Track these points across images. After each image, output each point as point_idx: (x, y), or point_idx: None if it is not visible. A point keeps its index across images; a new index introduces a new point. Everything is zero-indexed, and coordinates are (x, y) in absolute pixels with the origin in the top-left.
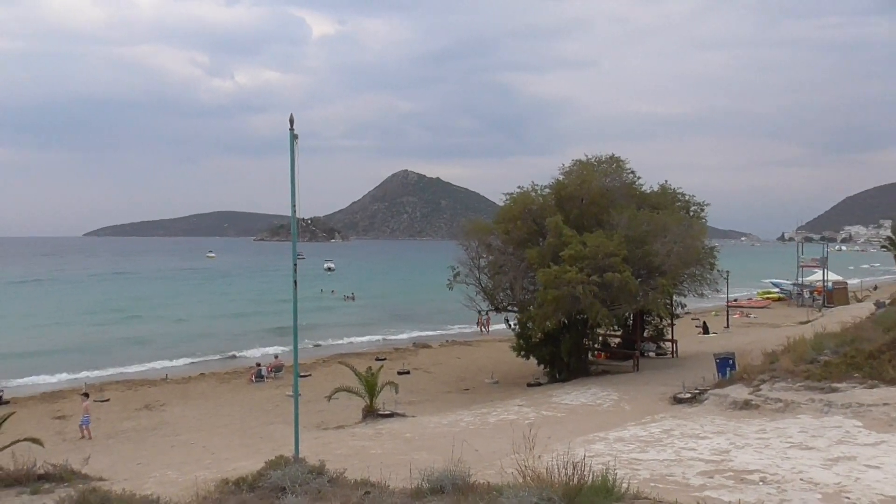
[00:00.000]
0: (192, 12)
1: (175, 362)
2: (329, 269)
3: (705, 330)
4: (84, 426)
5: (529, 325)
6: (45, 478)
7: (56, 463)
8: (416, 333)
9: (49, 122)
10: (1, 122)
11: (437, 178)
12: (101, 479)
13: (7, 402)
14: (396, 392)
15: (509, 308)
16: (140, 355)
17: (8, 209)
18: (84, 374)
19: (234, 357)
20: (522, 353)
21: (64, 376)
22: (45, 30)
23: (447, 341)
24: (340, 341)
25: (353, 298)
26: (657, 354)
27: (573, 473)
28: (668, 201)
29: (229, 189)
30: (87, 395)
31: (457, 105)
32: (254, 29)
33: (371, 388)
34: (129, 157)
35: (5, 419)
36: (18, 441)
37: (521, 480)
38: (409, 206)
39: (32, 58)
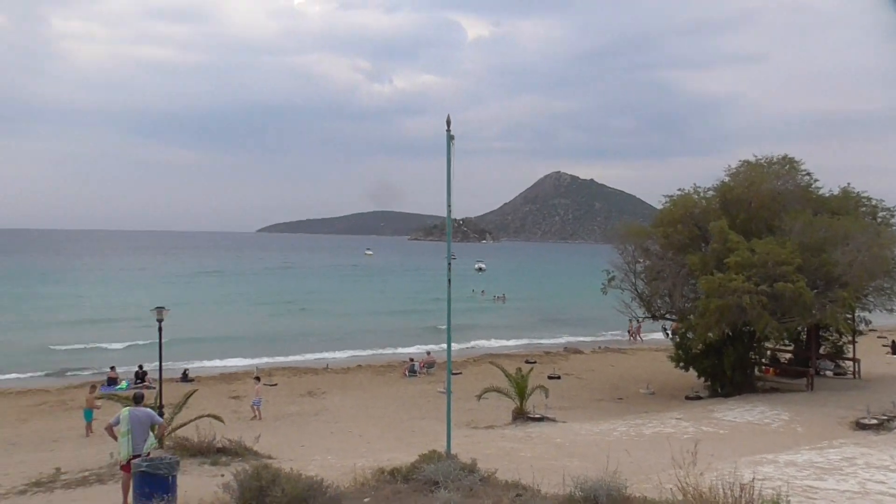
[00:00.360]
0: (356, 21)
1: (337, 354)
2: (480, 269)
3: (894, 350)
4: (256, 407)
5: (689, 335)
6: (222, 451)
7: (232, 439)
8: (567, 338)
9: (229, 127)
10: (188, 127)
11: (591, 180)
12: (269, 457)
13: (192, 381)
14: (547, 396)
15: (667, 316)
16: (306, 345)
17: (191, 206)
18: (257, 360)
19: (389, 352)
20: (681, 364)
21: (239, 361)
22: (228, 43)
23: (600, 347)
24: (490, 342)
25: (503, 299)
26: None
27: (740, 496)
28: (850, 206)
29: (387, 189)
30: (258, 378)
31: (613, 104)
32: (412, 34)
33: (521, 391)
34: (297, 159)
35: (190, 395)
36: (202, 416)
37: (681, 498)
38: (561, 209)
39: (217, 69)
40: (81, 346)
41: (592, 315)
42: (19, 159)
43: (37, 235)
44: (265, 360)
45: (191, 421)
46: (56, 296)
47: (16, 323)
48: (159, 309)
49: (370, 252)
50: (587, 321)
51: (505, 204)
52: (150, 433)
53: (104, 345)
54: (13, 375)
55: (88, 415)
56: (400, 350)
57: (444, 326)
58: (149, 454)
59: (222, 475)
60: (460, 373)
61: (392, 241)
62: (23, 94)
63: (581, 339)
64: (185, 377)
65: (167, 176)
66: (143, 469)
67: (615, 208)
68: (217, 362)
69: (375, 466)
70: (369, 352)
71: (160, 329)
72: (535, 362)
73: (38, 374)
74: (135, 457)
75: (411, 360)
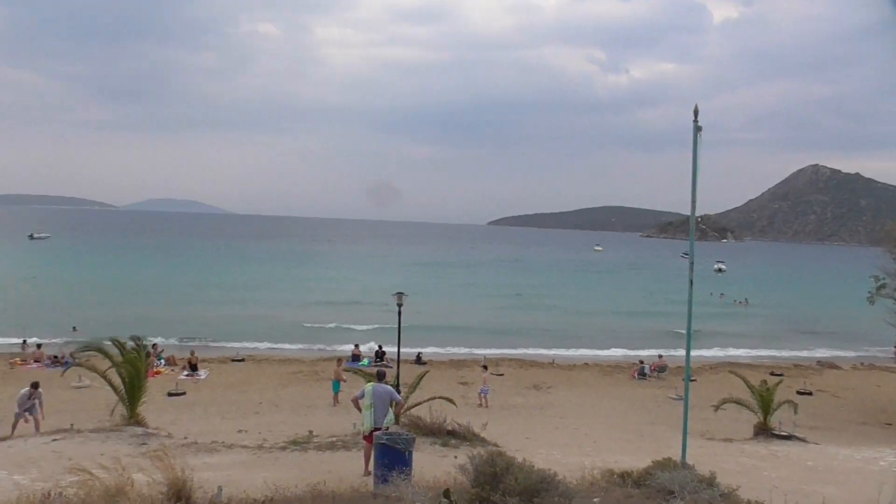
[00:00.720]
0: (592, 10)
1: (563, 350)
2: (719, 269)
3: None
4: (483, 395)
5: None
6: (452, 434)
7: (461, 423)
8: (820, 351)
9: (464, 123)
10: (426, 123)
11: (856, 174)
12: (495, 445)
13: (424, 364)
14: (795, 413)
15: None
16: (532, 339)
17: (427, 198)
18: (485, 350)
19: (618, 353)
20: None
21: (468, 349)
22: (466, 41)
23: (861, 364)
24: (729, 350)
25: (745, 304)
26: None
27: None
28: None
29: (618, 183)
30: (486, 367)
31: (886, 86)
32: (650, 21)
33: (766, 405)
34: (528, 154)
35: (423, 376)
36: (435, 398)
37: None
38: (817, 206)
39: (455, 66)
40: (332, 325)
41: (853, 327)
42: (283, 155)
43: (294, 223)
44: (493, 350)
45: (425, 401)
46: (310, 278)
47: (276, 300)
48: (399, 294)
49: (599, 248)
50: (846, 333)
51: (750, 200)
52: (390, 409)
53: (349, 325)
54: (275, 345)
55: (336, 386)
56: (628, 352)
57: (680, 330)
58: (387, 428)
59: (455, 457)
60: (695, 380)
61: (623, 237)
62: (287, 97)
63: (838, 353)
64: (418, 360)
65: (407, 169)
66: (383, 441)
67: (886, 206)
68: (448, 349)
69: (603, 467)
70: (597, 351)
71: (399, 312)
72: (781, 375)
73: (295, 346)
74: (376, 429)
75: (641, 362)
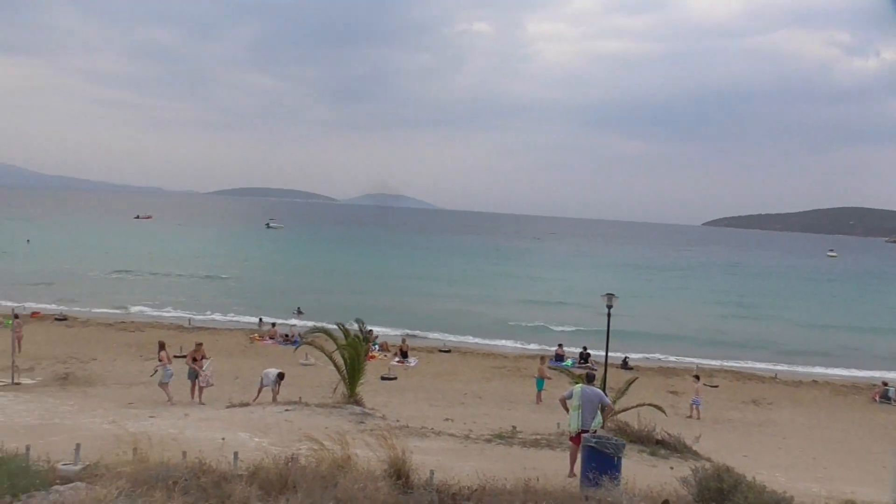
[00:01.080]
0: None
1: (786, 366)
2: None
3: None
4: (695, 406)
5: None
6: (661, 443)
7: (671, 433)
8: None
9: (678, 117)
10: (638, 118)
11: None
12: (708, 460)
13: (631, 369)
14: None
15: None
16: (752, 351)
17: (637, 196)
18: (697, 359)
19: (852, 373)
20: None
21: (679, 357)
22: (686, 30)
23: None
24: None
25: None
26: None
27: None
28: None
29: (860, 182)
30: (698, 377)
31: None
32: None
33: None
34: (750, 148)
35: (631, 383)
36: (644, 405)
37: None
38: None
39: (672, 57)
40: (535, 323)
41: None
42: (491, 151)
43: (502, 219)
44: (707, 360)
45: (633, 407)
46: (516, 275)
47: (482, 296)
48: (609, 295)
49: (834, 253)
50: None
51: None
52: (598, 412)
53: (552, 325)
54: (479, 339)
55: (540, 384)
56: (869, 372)
57: None
58: (595, 432)
59: (671, 468)
60: None
61: (864, 242)
62: (497, 94)
63: None
64: (625, 365)
65: (616, 166)
66: (591, 444)
67: None
68: (656, 355)
69: (840, 497)
70: (828, 369)
71: (609, 314)
72: None
73: (498, 342)
74: (583, 431)
75: (885, 384)
